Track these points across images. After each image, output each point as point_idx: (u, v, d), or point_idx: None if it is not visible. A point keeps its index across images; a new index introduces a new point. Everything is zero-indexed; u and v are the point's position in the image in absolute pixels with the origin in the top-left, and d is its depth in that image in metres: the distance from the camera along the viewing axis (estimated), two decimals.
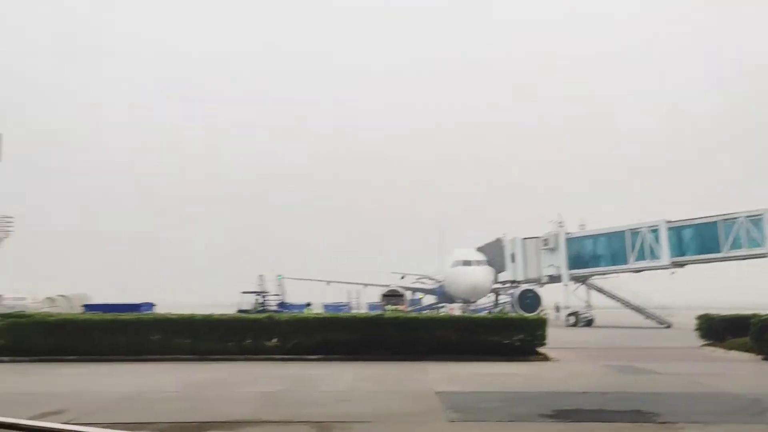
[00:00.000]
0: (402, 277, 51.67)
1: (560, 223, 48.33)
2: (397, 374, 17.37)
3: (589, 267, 46.74)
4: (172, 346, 21.19)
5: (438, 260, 67.43)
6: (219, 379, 16.35)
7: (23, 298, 38.18)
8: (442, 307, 62.93)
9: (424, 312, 54.87)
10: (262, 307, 36.98)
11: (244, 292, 40.15)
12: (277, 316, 23.89)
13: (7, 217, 30.25)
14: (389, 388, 14.74)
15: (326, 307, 46.31)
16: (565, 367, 18.92)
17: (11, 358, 20.32)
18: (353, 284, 60.95)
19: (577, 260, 47.45)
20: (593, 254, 46.91)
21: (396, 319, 23.05)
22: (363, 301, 58.38)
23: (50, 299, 34.96)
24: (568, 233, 48.10)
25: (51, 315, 23.54)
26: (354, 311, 48.99)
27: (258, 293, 40.48)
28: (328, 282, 61.37)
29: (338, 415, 11.28)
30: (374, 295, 61.19)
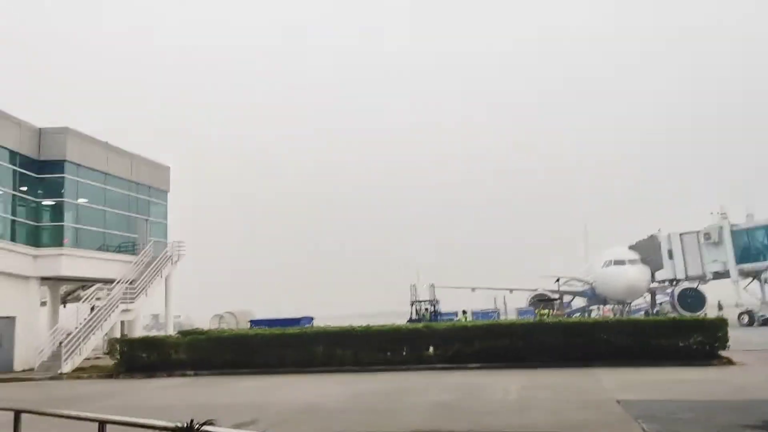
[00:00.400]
0: (557, 280, 49.76)
1: (723, 214, 44.39)
2: (568, 382, 16.65)
3: (763, 260, 42.44)
4: (335, 357, 21.89)
5: (585, 261, 64.69)
6: (387, 389, 16.55)
7: (178, 316, 40.83)
8: (593, 309, 60.10)
9: (577, 315, 52.76)
10: (430, 316, 37.07)
11: (414, 302, 40.52)
12: (435, 324, 23.93)
13: (179, 242, 32.98)
14: (565, 397, 14.13)
15: (474, 314, 45.69)
16: (756, 372, 17.15)
17: (195, 371, 21.97)
18: (499, 290, 59.82)
19: (746, 253, 43.31)
20: (766, 246, 42.60)
21: (558, 323, 22.28)
22: (510, 306, 57.01)
23: (218, 316, 37.56)
24: (733, 225, 44.10)
25: (225, 331, 25.22)
26: (503, 317, 48.03)
27: (424, 302, 40.54)
28: (473, 288, 60.72)
29: (520, 425, 10.94)
30: (520, 301, 59.69)
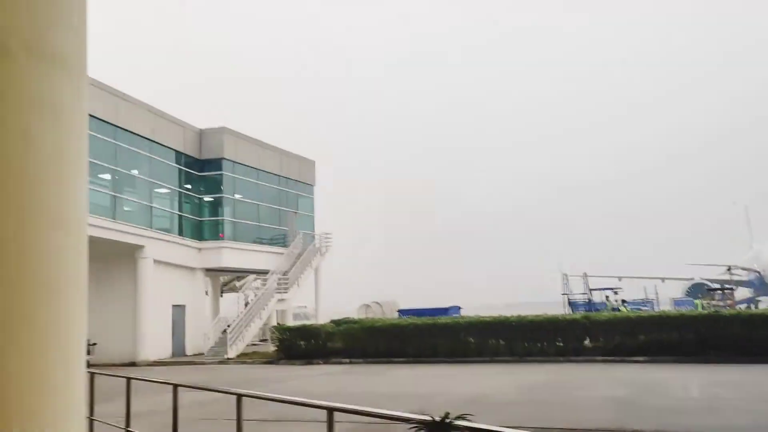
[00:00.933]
0: (728, 269, 45.75)
1: None
2: (759, 379, 15.08)
3: None
4: (488, 347, 21.47)
5: (750, 248, 59.19)
6: (551, 382, 15.87)
7: (304, 307, 41.61)
8: (760, 300, 54.76)
9: (742, 306, 48.32)
10: (620, 306, 35.20)
11: (592, 290, 38.81)
12: (594, 315, 22.74)
13: (327, 234, 34.02)
14: (762, 396, 12.73)
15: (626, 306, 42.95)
16: None
17: (350, 359, 22.46)
18: (649, 279, 56.08)
19: None
20: None
21: (737, 315, 20.36)
22: (661, 297, 53.22)
23: (365, 305, 38.29)
24: None
25: (378, 320, 25.56)
26: (656, 309, 44.90)
27: (605, 290, 38.54)
28: (620, 278, 57.42)
29: (720, 427, 9.92)
30: (672, 291, 55.66)
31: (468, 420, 3.25)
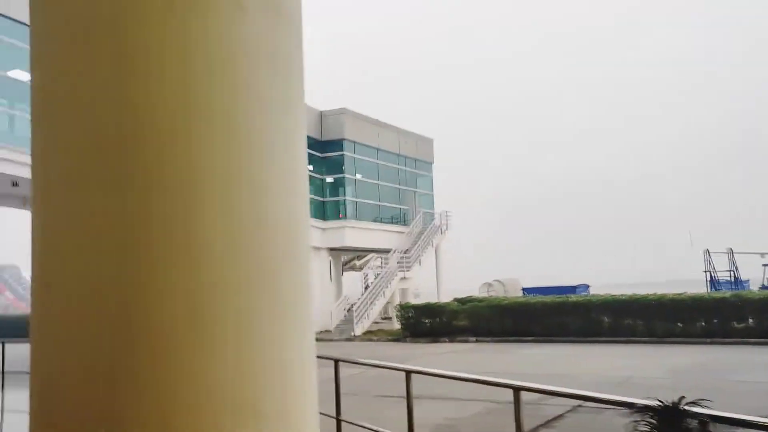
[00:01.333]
0: None
1: None
2: None
3: None
4: (623, 327, 20.40)
5: None
6: (700, 365, 14.71)
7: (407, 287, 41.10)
8: None
9: None
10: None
11: (766, 265, 35.88)
12: (745, 294, 20.95)
13: (447, 212, 33.73)
14: None
15: None
16: None
17: (476, 338, 22.15)
18: None
19: None
20: None
21: None
22: None
23: (487, 284, 37.81)
24: None
25: (504, 298, 25.04)
26: None
27: None
28: (763, 254, 52.91)
29: None
30: None
31: (700, 406, 2.80)
